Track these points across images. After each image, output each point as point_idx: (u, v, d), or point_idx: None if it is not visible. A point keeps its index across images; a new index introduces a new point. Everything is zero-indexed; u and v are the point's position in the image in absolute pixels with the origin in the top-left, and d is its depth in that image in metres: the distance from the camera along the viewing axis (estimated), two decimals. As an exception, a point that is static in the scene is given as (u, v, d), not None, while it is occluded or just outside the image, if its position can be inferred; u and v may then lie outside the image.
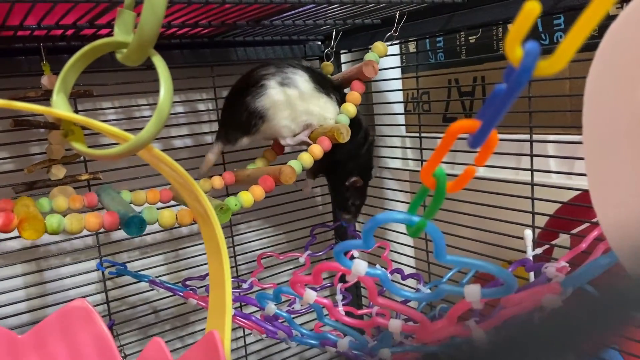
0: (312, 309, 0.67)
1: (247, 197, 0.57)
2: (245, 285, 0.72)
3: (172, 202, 0.66)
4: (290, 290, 0.43)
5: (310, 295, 0.42)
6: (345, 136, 0.61)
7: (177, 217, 0.55)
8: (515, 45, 0.21)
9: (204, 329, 0.78)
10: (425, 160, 0.74)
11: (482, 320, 0.40)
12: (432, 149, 0.74)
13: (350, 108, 0.63)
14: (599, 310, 0.24)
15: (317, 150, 0.60)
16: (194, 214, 0.40)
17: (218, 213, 0.55)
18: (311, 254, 0.78)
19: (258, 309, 0.57)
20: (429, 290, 0.63)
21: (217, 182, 0.66)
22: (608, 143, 0.28)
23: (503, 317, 0.39)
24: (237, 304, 0.81)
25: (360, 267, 0.35)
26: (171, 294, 0.77)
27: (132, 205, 0.62)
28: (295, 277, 0.40)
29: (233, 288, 0.70)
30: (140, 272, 0.71)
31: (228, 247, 0.77)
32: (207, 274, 0.73)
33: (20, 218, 0.47)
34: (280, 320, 0.54)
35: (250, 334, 0.86)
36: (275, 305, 0.51)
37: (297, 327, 0.52)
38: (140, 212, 0.54)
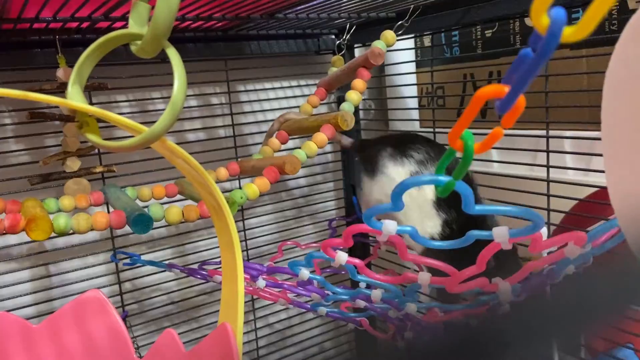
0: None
1: (252, 190, 0.57)
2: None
3: (178, 197, 0.66)
4: (323, 255, 0.44)
5: (342, 257, 0.43)
6: (349, 123, 0.60)
7: (183, 214, 0.56)
8: (541, 12, 0.21)
9: (216, 322, 0.79)
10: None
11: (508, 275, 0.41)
12: (446, 145, 0.74)
13: (355, 96, 0.62)
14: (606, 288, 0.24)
15: (321, 138, 0.60)
16: (207, 207, 0.40)
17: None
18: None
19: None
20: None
21: (222, 173, 0.65)
22: (628, 138, 0.28)
23: (528, 270, 0.39)
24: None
25: (390, 227, 0.35)
26: (184, 286, 0.78)
27: (137, 201, 0.62)
28: (326, 241, 0.41)
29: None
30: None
31: (239, 237, 0.78)
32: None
33: (27, 219, 0.47)
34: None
35: (262, 326, 0.86)
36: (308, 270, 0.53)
37: (332, 287, 0.53)
38: (146, 208, 0.54)
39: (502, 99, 0.24)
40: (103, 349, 0.39)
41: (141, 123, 0.31)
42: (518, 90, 0.24)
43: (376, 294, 0.50)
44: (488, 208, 0.32)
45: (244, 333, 0.85)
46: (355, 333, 0.94)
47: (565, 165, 0.62)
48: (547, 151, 0.58)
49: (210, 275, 0.61)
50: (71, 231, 0.51)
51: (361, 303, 0.54)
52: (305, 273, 0.54)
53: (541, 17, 0.21)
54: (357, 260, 0.45)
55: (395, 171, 0.62)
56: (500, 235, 0.36)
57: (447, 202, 0.59)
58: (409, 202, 0.59)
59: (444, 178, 0.29)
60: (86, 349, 0.39)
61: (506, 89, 0.24)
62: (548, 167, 0.58)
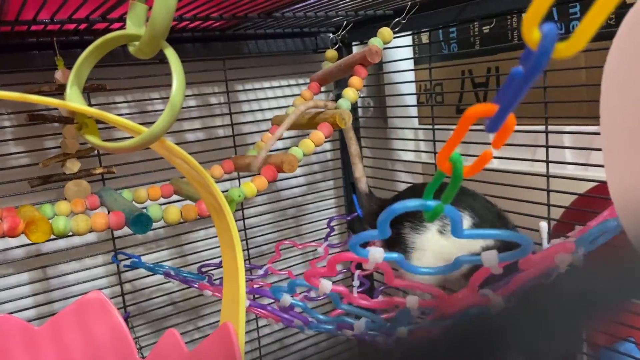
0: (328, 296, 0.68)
1: (250, 188, 0.57)
2: (260, 272, 0.72)
3: (177, 197, 0.66)
4: (305, 283, 0.43)
5: (326, 286, 0.42)
6: (347, 122, 0.59)
7: (182, 213, 0.56)
8: (532, 27, 0.21)
9: (218, 321, 0.79)
10: (437, 153, 0.73)
11: (498, 287, 0.40)
12: (445, 141, 0.74)
13: (352, 93, 0.62)
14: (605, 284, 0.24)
15: (319, 136, 0.59)
16: (207, 207, 0.40)
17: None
18: (330, 245, 0.78)
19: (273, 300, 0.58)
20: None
21: (217, 171, 0.65)
22: (627, 132, 0.28)
23: (519, 281, 0.39)
24: (252, 296, 0.82)
25: (377, 254, 0.35)
26: (185, 286, 0.78)
27: (134, 203, 0.63)
28: (310, 271, 0.40)
29: (246, 275, 0.70)
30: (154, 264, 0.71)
31: (240, 236, 0.79)
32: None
33: (26, 222, 0.47)
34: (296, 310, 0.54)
35: (264, 325, 0.86)
36: (291, 296, 0.52)
37: (314, 314, 0.52)
38: (145, 209, 0.54)
39: (491, 118, 0.24)
40: (105, 350, 0.39)
41: (140, 124, 0.31)
42: (507, 109, 0.24)
43: (359, 325, 0.49)
44: (476, 232, 0.32)
45: (246, 332, 0.85)
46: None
47: (565, 160, 0.62)
48: (547, 146, 0.58)
49: (201, 289, 0.60)
50: (70, 233, 0.51)
51: (348, 333, 0.53)
52: (287, 299, 0.52)
53: (532, 31, 0.21)
54: (341, 288, 0.44)
55: (425, 241, 0.59)
56: (489, 259, 0.36)
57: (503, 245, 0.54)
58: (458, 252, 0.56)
59: (432, 203, 0.28)
60: (88, 350, 0.39)
61: (495, 107, 0.24)
62: (547, 162, 0.58)
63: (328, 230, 0.85)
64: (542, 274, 0.40)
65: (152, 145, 0.30)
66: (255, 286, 0.70)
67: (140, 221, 0.51)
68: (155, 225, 0.76)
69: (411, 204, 0.28)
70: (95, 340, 0.39)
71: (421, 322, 0.46)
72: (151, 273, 0.74)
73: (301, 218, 0.88)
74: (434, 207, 0.28)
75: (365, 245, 0.37)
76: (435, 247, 0.58)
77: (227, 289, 0.37)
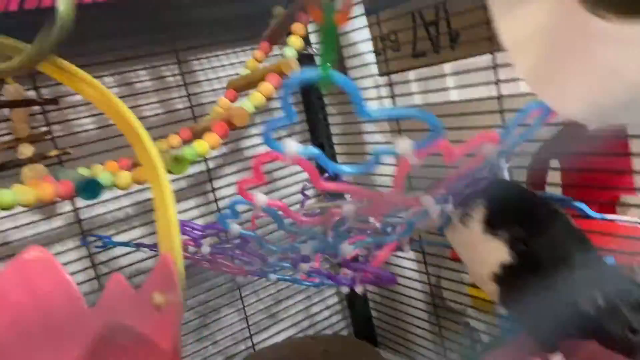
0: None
1: (202, 146, 0.56)
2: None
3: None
4: (243, 200, 0.42)
5: (261, 199, 0.41)
6: (294, 68, 0.59)
7: (133, 178, 0.54)
8: None
9: (194, 296, 0.79)
10: (395, 96, 0.73)
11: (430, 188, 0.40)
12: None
13: (296, 40, 0.61)
14: None
15: (267, 87, 0.59)
16: (141, 161, 0.39)
17: (173, 164, 0.54)
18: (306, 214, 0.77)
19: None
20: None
21: (175, 140, 0.63)
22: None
23: (451, 180, 0.38)
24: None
25: (291, 146, 0.33)
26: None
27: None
28: (241, 181, 0.39)
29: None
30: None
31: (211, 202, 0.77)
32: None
33: None
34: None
35: (247, 294, 0.85)
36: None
37: (266, 245, 0.49)
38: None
39: None
40: (53, 303, 0.38)
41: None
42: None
43: (306, 247, 0.48)
44: (384, 112, 0.31)
45: (233, 312, 0.85)
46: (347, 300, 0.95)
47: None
48: (494, 67, 0.58)
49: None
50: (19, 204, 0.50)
51: (303, 267, 0.50)
52: (235, 228, 0.48)
53: None
54: (279, 203, 0.42)
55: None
56: (403, 147, 0.33)
57: (501, 219, 0.45)
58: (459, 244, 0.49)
59: (314, 72, 0.25)
60: (37, 306, 0.39)
61: None
62: (497, 82, 0.58)
63: (302, 198, 0.84)
64: (474, 171, 0.39)
65: (48, 70, 0.30)
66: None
67: (89, 187, 0.50)
68: (124, 203, 0.76)
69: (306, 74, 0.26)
70: (42, 296, 0.39)
71: (367, 240, 0.45)
72: (125, 253, 0.74)
73: (273, 186, 0.87)
74: (321, 74, 0.25)
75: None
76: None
77: (160, 224, 0.36)
